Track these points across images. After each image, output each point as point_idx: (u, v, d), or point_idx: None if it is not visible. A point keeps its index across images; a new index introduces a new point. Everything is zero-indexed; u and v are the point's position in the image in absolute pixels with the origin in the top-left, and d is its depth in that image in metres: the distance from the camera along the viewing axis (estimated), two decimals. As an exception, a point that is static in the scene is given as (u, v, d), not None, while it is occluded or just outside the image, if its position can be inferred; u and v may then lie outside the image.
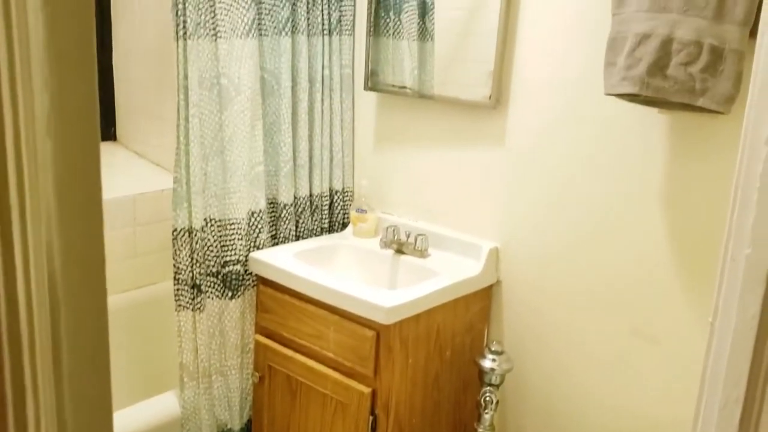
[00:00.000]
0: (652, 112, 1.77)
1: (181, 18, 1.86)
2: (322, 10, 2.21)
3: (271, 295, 2.05)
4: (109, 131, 3.00)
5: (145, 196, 2.58)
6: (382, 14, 2.29)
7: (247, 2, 1.98)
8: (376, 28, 2.30)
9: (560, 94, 1.92)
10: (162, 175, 2.73)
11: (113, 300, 2.26)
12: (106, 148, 2.99)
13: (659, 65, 1.63)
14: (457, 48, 2.14)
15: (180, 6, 1.85)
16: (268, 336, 2.09)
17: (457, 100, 2.12)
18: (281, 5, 2.07)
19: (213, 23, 1.94)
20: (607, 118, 1.85)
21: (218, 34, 1.95)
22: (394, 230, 2.17)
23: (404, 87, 2.25)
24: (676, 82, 1.63)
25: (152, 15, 2.53)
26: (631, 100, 1.71)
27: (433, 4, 2.18)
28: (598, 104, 1.83)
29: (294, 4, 2.12)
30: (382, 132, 2.35)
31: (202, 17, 1.91)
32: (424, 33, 2.23)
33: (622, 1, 1.68)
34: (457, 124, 2.15)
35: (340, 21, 2.28)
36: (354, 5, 2.30)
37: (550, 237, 1.99)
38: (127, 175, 2.75)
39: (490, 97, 2.04)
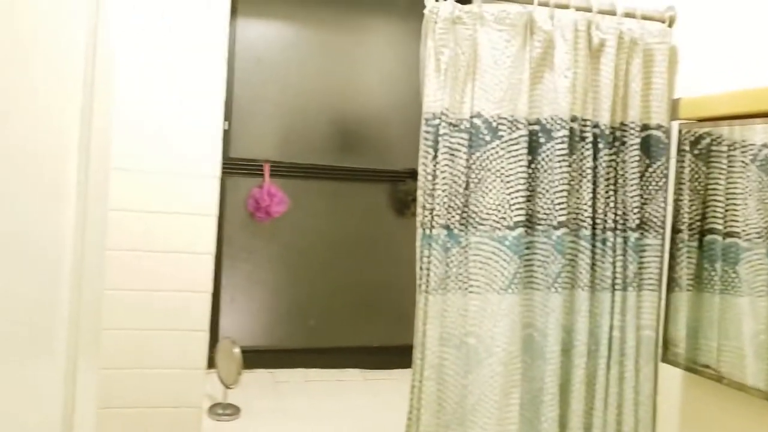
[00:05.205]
0: None
1: (425, 271, 1.74)
2: (614, 263, 1.85)
3: None
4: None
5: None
6: (706, 265, 1.82)
7: (508, 255, 1.77)
8: (698, 281, 1.83)
9: None
10: None
11: None
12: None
13: None
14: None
15: (425, 259, 1.74)
16: None
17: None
18: (552, 258, 1.79)
19: (465, 276, 1.77)
20: None
21: (470, 289, 1.77)
22: None
23: (741, 383, 1.64)
24: None
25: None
26: None
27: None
28: None
29: (573, 258, 1.82)
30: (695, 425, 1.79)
31: (453, 270, 1.76)
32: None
33: None
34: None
35: (640, 274, 1.88)
36: (661, 255, 1.88)
37: None
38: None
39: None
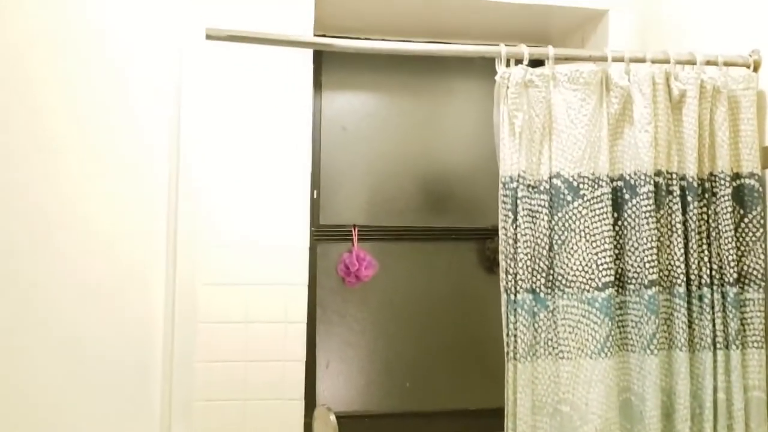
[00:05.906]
0: None
1: (512, 338, 1.72)
2: (713, 320, 1.76)
3: None
4: None
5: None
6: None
7: (599, 317, 1.72)
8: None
9: None
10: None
11: None
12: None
13: None
14: None
15: (511, 326, 1.72)
16: None
17: None
18: (646, 318, 1.73)
19: (555, 341, 1.73)
20: None
21: (561, 354, 1.73)
22: None
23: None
24: None
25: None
26: None
27: None
28: None
29: (668, 317, 1.75)
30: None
31: (542, 335, 1.73)
32: None
33: None
34: None
35: (743, 330, 1.77)
36: (765, 310, 1.78)
37: None
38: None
39: None
